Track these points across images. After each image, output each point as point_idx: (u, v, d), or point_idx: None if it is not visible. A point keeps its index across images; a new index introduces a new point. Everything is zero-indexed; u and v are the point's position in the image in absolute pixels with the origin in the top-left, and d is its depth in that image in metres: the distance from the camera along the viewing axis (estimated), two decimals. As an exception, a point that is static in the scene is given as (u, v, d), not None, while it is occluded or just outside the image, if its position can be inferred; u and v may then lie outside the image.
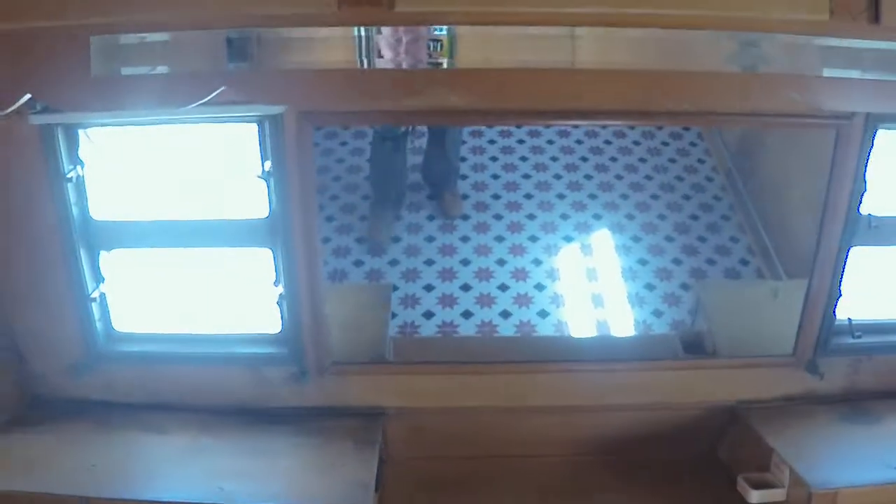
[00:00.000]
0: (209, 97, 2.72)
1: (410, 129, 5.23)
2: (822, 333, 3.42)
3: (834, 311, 3.39)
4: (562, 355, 3.80)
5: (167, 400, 3.39)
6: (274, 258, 3.21)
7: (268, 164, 3.06)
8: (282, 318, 3.32)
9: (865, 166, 3.11)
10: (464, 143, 5.81)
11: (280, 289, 3.25)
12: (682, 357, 3.94)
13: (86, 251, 3.25)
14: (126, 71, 2.77)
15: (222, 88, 2.73)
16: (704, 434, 3.62)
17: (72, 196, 3.13)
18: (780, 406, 3.50)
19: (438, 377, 3.41)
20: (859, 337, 3.43)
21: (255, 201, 3.16)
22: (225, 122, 3.05)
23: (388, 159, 5.32)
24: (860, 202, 3.17)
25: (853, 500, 3.04)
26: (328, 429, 3.30)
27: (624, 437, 3.63)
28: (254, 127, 3.04)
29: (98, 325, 3.31)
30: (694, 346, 4.00)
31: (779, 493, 3.20)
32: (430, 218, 5.41)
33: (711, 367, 3.58)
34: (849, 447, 3.31)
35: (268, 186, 3.10)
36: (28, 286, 3.25)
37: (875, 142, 3.10)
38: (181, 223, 3.24)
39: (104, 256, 3.30)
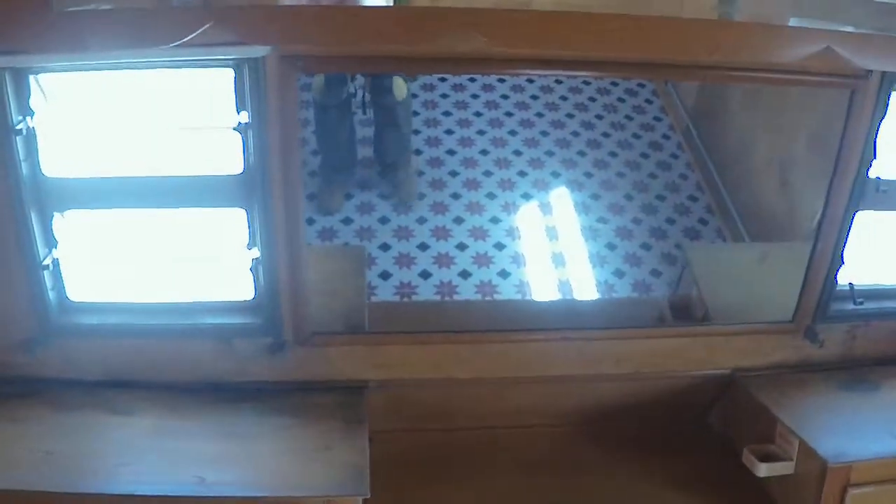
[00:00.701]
0: (191, 35, 2.34)
1: (353, 94, 4.84)
2: (823, 299, 3.22)
3: (836, 277, 3.19)
4: (545, 322, 3.49)
5: (130, 377, 3.03)
6: (248, 219, 2.85)
7: (244, 115, 2.69)
8: (255, 284, 2.97)
9: (878, 128, 2.92)
10: (416, 113, 5.43)
11: (255, 252, 2.90)
12: (672, 323, 3.60)
13: (37, 213, 2.85)
14: (92, 5, 2.41)
15: (208, 25, 2.34)
16: (696, 403, 3.40)
17: (20, 151, 2.74)
18: (776, 374, 3.28)
19: (424, 347, 3.11)
20: (861, 303, 3.25)
21: (227, 157, 2.77)
22: (197, 66, 2.69)
23: (333, 129, 4.96)
24: (870, 165, 2.98)
25: (867, 474, 2.86)
26: (310, 406, 2.97)
27: (611, 407, 3.38)
28: (229, 72, 2.67)
29: (51, 294, 2.93)
30: (682, 312, 3.71)
31: (787, 466, 3.00)
32: (383, 196, 5.07)
33: (706, 334, 3.31)
34: (853, 416, 3.12)
35: (243, 140, 2.73)
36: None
37: (890, 103, 2.91)
38: (144, 180, 2.86)
39: (57, 219, 2.88)
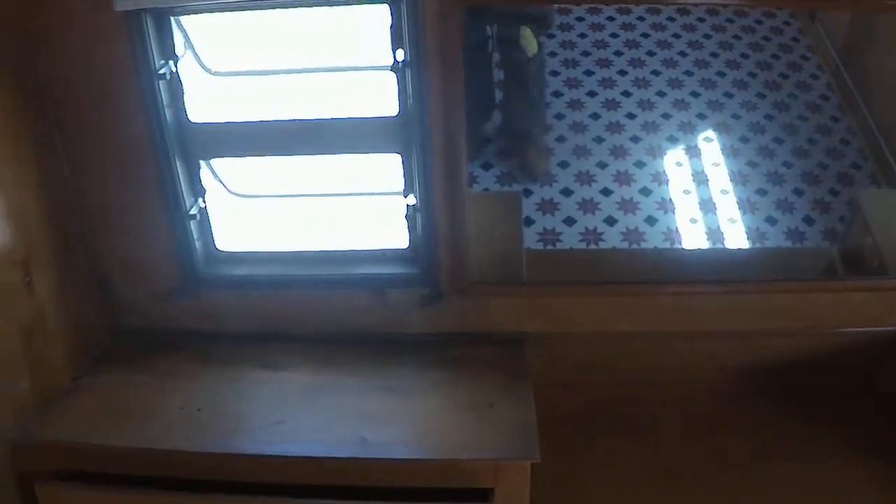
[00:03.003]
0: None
1: (490, 36, 4.39)
2: None
3: None
4: (701, 273, 3.10)
5: (280, 329, 2.79)
6: (404, 164, 2.55)
7: (400, 54, 2.37)
8: (411, 233, 2.69)
9: None
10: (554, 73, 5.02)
11: (411, 199, 2.61)
12: (843, 276, 3.21)
13: (182, 161, 2.62)
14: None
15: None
16: (862, 362, 3.02)
17: (164, 96, 2.49)
18: None
19: (588, 299, 2.80)
20: None
21: (381, 99, 2.47)
22: (350, 2, 2.36)
23: (468, 71, 4.49)
24: None
25: None
26: (469, 360, 2.70)
27: (775, 364, 3.02)
28: (384, 7, 2.36)
29: (197, 244, 2.70)
30: (854, 263, 3.31)
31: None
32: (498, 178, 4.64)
33: (887, 288, 2.87)
34: None
35: (399, 80, 2.41)
36: (118, 202, 2.64)
37: None
38: (293, 125, 2.59)
39: (204, 167, 2.62)
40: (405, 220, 2.66)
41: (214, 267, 2.76)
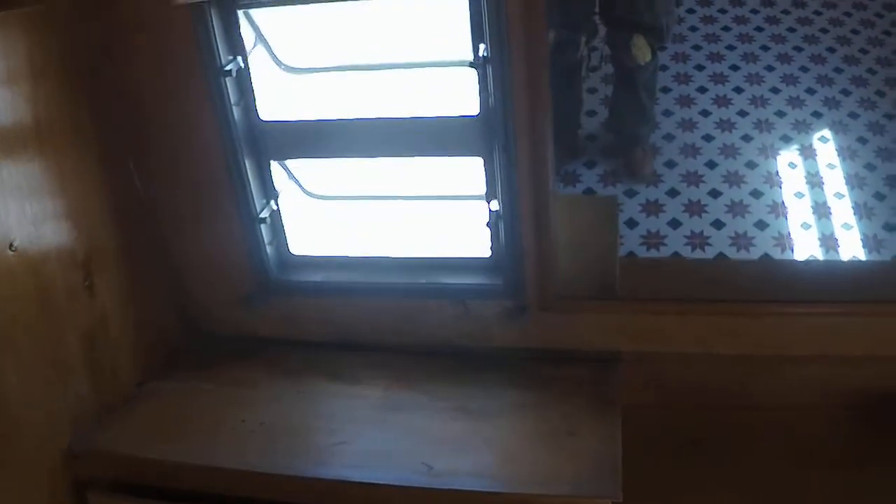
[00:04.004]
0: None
1: (585, 58, 4.10)
2: None
3: None
4: (825, 287, 2.74)
5: (354, 339, 2.57)
6: (486, 167, 2.29)
7: (482, 48, 2.12)
8: (493, 241, 2.45)
9: None
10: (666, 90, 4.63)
11: (494, 205, 2.36)
12: None
13: (252, 161, 2.42)
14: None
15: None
16: None
17: (232, 94, 2.29)
18: None
19: (686, 318, 2.50)
20: None
21: (461, 97, 2.21)
22: (428, -6, 2.10)
23: (556, 94, 4.15)
24: None
25: None
26: (553, 379, 2.43)
27: (888, 392, 2.61)
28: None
29: (269, 249, 2.49)
30: None
31: None
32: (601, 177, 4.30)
33: None
34: None
35: (481, 77, 2.14)
36: (189, 205, 2.46)
37: None
38: (367, 124, 2.36)
39: (276, 168, 2.39)
40: (487, 228, 2.38)
41: (288, 272, 2.56)
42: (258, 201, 2.41)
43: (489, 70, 2.15)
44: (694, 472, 2.47)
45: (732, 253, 3.84)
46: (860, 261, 3.69)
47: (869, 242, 3.84)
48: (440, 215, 2.56)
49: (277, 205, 2.47)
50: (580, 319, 2.49)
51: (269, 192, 2.44)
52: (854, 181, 4.08)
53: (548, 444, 2.20)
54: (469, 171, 2.40)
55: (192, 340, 2.61)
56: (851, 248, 3.86)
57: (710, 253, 3.85)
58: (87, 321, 2.26)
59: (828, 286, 2.66)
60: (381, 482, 2.08)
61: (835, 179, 4.11)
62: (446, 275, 2.53)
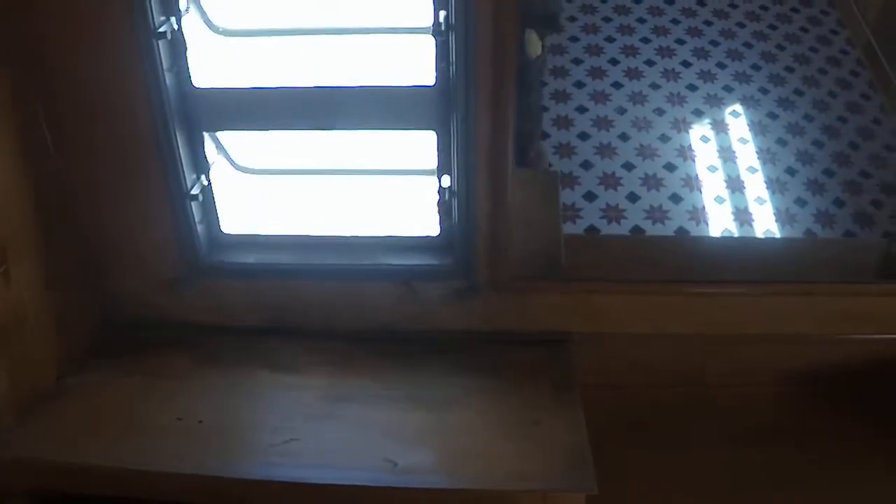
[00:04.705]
0: None
1: None
2: None
3: None
4: (776, 265, 2.62)
5: (293, 325, 2.35)
6: (439, 141, 2.08)
7: (443, 15, 1.94)
8: (443, 219, 2.23)
9: None
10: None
11: (445, 181, 2.16)
12: None
13: (184, 132, 2.16)
14: None
15: None
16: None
17: (164, 58, 2.03)
18: None
19: (639, 298, 2.37)
20: None
21: (416, 67, 2.00)
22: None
23: None
24: None
25: None
26: (510, 364, 2.26)
27: (839, 370, 2.54)
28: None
29: (200, 228, 2.23)
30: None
31: None
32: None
33: None
34: None
35: (441, 45, 1.97)
36: (112, 180, 2.18)
37: None
38: (311, 93, 2.12)
39: (209, 140, 2.13)
40: (437, 205, 2.16)
41: (220, 253, 2.32)
42: (189, 176, 2.17)
43: (451, 38, 1.94)
44: (645, 455, 2.35)
45: (648, 226, 3.73)
46: (794, 239, 3.59)
47: (782, 216, 3.79)
48: (384, 192, 2.35)
49: (209, 180, 2.21)
50: (530, 300, 2.33)
51: (201, 165, 2.20)
52: (766, 156, 4.02)
53: (514, 434, 2.04)
54: (416, 146, 2.19)
55: (118, 329, 2.34)
56: (765, 222, 3.79)
57: (625, 226, 3.73)
58: (1, 312, 1.97)
59: (775, 263, 2.53)
60: (346, 482, 1.86)
61: (747, 154, 4.05)
62: (391, 255, 2.33)
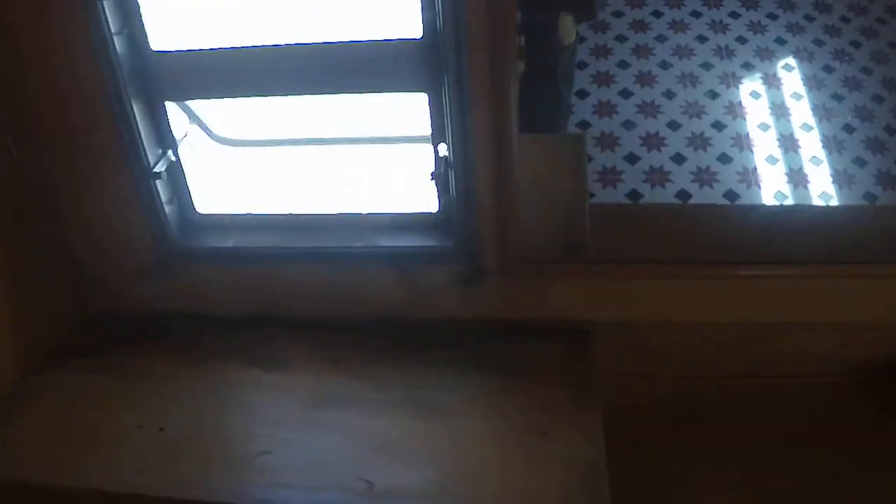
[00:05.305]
0: None
1: None
2: None
3: None
4: (824, 237, 2.21)
5: (276, 315, 2.03)
6: (432, 103, 1.80)
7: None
8: (441, 193, 1.92)
9: None
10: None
11: (442, 149, 1.83)
12: None
13: (143, 103, 1.85)
14: None
15: None
16: None
17: (113, 21, 1.72)
18: None
19: (672, 281, 2.01)
20: None
21: (402, 17, 1.67)
22: None
23: None
24: None
25: None
26: (518, 359, 1.94)
27: None
28: None
29: (168, 209, 1.93)
30: None
31: None
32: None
33: None
34: None
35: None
36: (72, 162, 1.89)
37: None
38: (285, 51, 1.81)
39: (175, 109, 1.81)
40: (433, 178, 1.82)
41: (194, 236, 2.03)
42: (151, 151, 1.86)
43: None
44: (681, 451, 2.05)
45: (695, 190, 3.40)
46: (856, 206, 3.20)
47: (839, 178, 3.47)
48: (377, 163, 2.00)
49: (177, 155, 1.90)
50: (547, 285, 2.00)
51: (166, 139, 1.89)
52: (821, 113, 3.70)
53: (517, 448, 1.72)
54: (412, 109, 1.84)
55: (86, 323, 2.05)
56: (821, 184, 3.51)
57: (670, 190, 3.42)
58: None
59: (836, 236, 2.14)
60: None
61: (801, 111, 3.76)
62: (386, 236, 2.01)
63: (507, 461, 1.69)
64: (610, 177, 3.44)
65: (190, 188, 1.99)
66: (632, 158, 3.50)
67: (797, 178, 3.49)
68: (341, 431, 1.77)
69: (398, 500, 1.59)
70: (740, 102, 3.69)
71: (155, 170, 1.87)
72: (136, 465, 1.71)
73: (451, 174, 1.84)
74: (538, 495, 1.61)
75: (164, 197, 1.92)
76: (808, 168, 3.51)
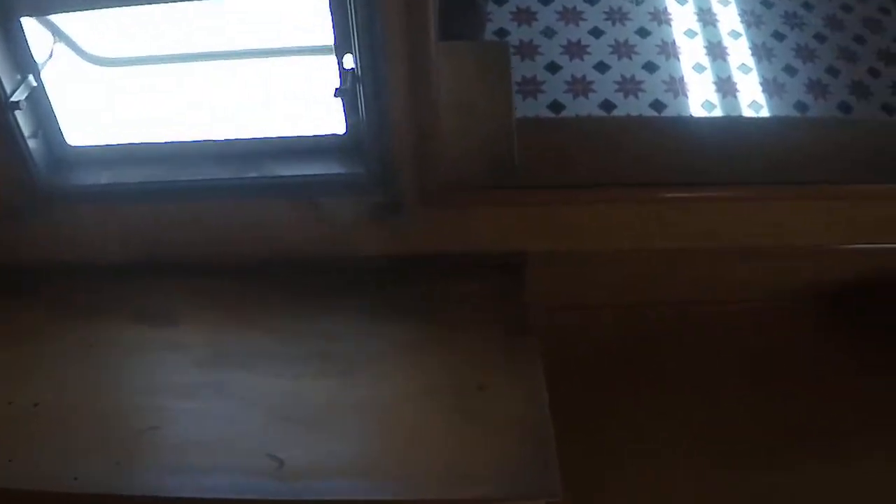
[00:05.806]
0: None
1: None
2: None
3: None
4: (768, 148, 1.98)
5: (163, 259, 1.75)
6: (334, 6, 1.50)
7: None
8: (349, 112, 1.63)
9: None
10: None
11: (348, 60, 1.54)
12: None
13: (-7, 18, 1.49)
14: None
15: None
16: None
17: None
18: None
19: (615, 205, 1.78)
20: None
21: None
22: None
23: None
24: None
25: None
26: (444, 300, 1.69)
27: (844, 283, 1.99)
28: None
29: (32, 143, 1.63)
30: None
31: None
32: None
33: None
34: None
35: None
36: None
37: None
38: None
39: (35, 26, 1.49)
40: (339, 94, 1.52)
41: (65, 173, 1.73)
42: (7, 77, 1.54)
43: None
44: (625, 390, 1.84)
45: (619, 100, 3.23)
46: (789, 118, 3.01)
47: (769, 86, 3.35)
48: (273, 80, 1.69)
49: (39, 80, 1.57)
50: (474, 214, 1.76)
51: (25, 63, 1.57)
52: (750, 19, 3.54)
53: (450, 407, 1.47)
54: (312, 16, 1.54)
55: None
56: (750, 93, 3.34)
57: (594, 100, 3.29)
58: None
59: (782, 150, 1.91)
60: (205, 496, 1.26)
61: (730, 17, 3.56)
62: (287, 164, 1.73)
63: (439, 425, 1.44)
64: (530, 87, 3.21)
65: (58, 117, 1.67)
66: (553, 67, 3.27)
67: (726, 86, 3.30)
68: (243, 397, 1.51)
69: (314, 480, 1.32)
70: (666, 9, 3.47)
71: (13, 99, 1.55)
72: (7, 452, 1.40)
73: (360, 90, 1.57)
74: (477, 465, 1.35)
75: (26, 130, 1.61)
76: (737, 76, 3.32)
